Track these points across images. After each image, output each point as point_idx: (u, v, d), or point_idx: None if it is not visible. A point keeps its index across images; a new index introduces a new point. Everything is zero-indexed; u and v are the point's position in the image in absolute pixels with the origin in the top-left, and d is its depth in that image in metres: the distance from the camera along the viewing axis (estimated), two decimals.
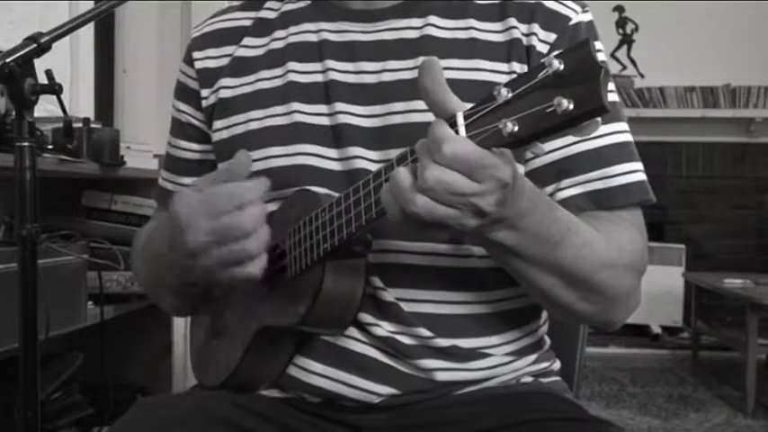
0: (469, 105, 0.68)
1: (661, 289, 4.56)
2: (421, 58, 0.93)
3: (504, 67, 0.92)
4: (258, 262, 0.81)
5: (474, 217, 0.70)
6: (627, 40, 5.04)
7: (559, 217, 0.81)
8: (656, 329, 4.77)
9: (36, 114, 0.99)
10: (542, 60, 0.63)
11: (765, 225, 5.01)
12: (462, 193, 0.67)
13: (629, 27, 5.03)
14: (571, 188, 0.91)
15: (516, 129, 0.63)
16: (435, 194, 0.67)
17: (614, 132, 0.92)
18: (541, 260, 0.80)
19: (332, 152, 0.93)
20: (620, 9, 5.01)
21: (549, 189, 0.92)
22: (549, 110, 0.61)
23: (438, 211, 0.68)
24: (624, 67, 5.04)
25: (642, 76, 5.01)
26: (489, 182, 0.67)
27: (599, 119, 0.61)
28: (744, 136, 5.01)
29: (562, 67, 0.60)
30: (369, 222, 0.75)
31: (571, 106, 0.59)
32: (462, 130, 0.66)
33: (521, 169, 0.93)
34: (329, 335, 0.91)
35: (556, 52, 0.63)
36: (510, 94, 0.63)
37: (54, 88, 1.01)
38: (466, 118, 0.66)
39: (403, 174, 0.69)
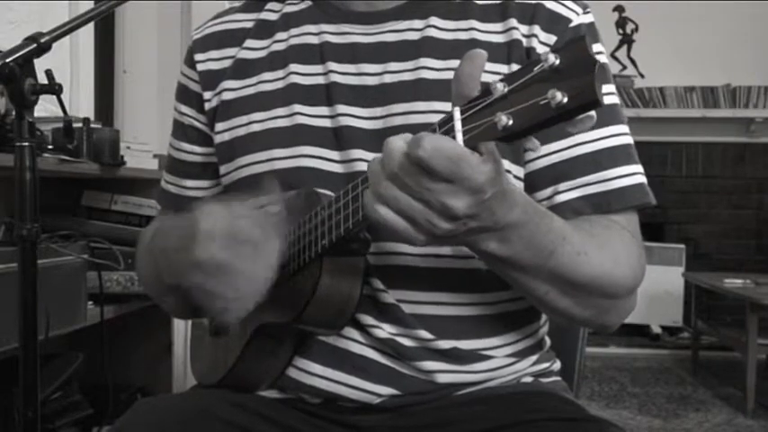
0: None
1: (661, 289, 4.56)
2: (422, 60, 0.93)
3: (504, 68, 0.92)
4: (232, 312, 0.80)
5: (441, 217, 0.67)
6: (627, 40, 5.04)
7: (554, 227, 0.79)
8: (656, 329, 4.77)
9: (36, 114, 0.99)
10: (539, 55, 0.63)
11: (765, 225, 5.01)
12: (428, 189, 0.66)
13: (629, 27, 5.03)
14: (569, 192, 0.91)
15: (511, 122, 0.62)
16: (403, 183, 0.66)
17: (613, 135, 0.92)
18: (536, 270, 0.80)
19: (334, 154, 0.93)
20: (620, 9, 5.01)
21: (548, 192, 0.92)
22: (542, 103, 0.61)
23: (402, 199, 0.67)
24: (624, 67, 5.04)
25: (642, 76, 5.01)
26: (461, 182, 0.65)
27: (593, 114, 0.61)
28: (744, 136, 5.00)
29: (558, 61, 0.60)
30: (366, 219, 0.75)
31: (565, 99, 0.59)
32: (458, 124, 0.66)
33: (520, 171, 0.93)
34: (326, 334, 0.91)
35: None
36: (506, 89, 0.63)
37: (54, 88, 1.01)
38: (462, 112, 0.66)
39: (377, 159, 0.69)
